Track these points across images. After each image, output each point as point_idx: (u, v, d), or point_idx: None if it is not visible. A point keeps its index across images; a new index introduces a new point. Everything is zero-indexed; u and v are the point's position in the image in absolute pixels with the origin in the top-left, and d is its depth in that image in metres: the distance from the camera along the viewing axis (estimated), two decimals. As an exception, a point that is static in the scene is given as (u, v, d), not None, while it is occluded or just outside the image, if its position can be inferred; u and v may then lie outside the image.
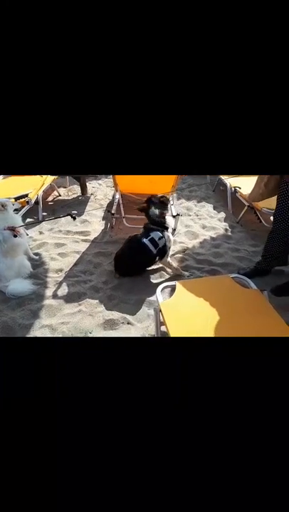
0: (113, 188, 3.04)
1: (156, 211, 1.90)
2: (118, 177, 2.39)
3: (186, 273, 1.93)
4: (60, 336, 1.52)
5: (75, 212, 2.74)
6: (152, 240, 1.83)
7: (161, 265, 1.96)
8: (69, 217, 2.65)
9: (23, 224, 1.89)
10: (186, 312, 1.25)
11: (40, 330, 1.55)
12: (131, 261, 1.89)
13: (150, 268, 1.96)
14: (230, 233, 2.42)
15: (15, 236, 1.79)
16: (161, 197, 1.95)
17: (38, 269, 2.00)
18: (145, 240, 1.83)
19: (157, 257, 1.87)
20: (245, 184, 2.51)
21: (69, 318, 1.62)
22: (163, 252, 1.86)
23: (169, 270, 1.94)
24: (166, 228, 1.90)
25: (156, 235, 1.84)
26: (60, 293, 1.80)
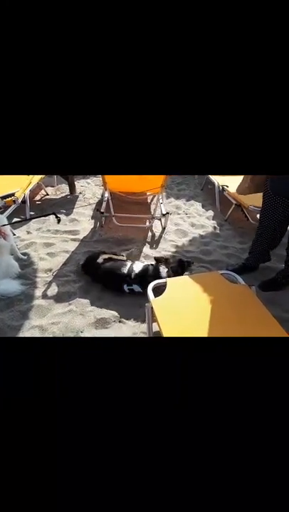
0: (102, 187, 3.02)
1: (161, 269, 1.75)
2: (107, 175, 2.38)
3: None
4: (51, 336, 1.50)
5: (64, 211, 2.71)
6: (131, 290, 1.73)
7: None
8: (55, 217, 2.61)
9: (6, 223, 1.85)
10: (177, 308, 1.27)
11: (30, 331, 1.53)
12: (104, 276, 1.79)
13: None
14: (218, 231, 2.47)
15: None
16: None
17: (26, 269, 1.96)
18: (125, 287, 1.72)
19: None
20: (232, 182, 2.56)
21: (59, 318, 1.60)
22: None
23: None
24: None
25: (136, 288, 1.72)
26: (49, 293, 1.78)
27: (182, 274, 1.77)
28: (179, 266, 1.80)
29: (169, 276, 1.68)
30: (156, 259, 1.86)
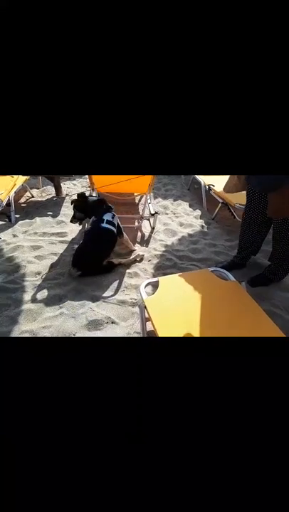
0: (89, 189, 2.99)
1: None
2: (94, 176, 2.36)
3: (140, 252, 2.03)
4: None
5: (50, 213, 2.66)
6: (109, 222, 1.84)
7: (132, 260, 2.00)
8: (45, 218, 2.58)
9: None
10: (170, 306, 1.28)
11: (20, 336, 1.48)
12: (96, 251, 1.88)
13: (131, 268, 1.96)
14: (206, 229, 2.50)
15: None
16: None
17: (14, 273, 1.91)
18: (103, 225, 1.84)
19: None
20: (218, 181, 2.61)
21: (51, 322, 1.57)
22: (118, 229, 1.92)
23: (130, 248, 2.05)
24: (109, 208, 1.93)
25: (108, 216, 1.84)
26: (39, 296, 1.74)
27: None
28: None
29: None
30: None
